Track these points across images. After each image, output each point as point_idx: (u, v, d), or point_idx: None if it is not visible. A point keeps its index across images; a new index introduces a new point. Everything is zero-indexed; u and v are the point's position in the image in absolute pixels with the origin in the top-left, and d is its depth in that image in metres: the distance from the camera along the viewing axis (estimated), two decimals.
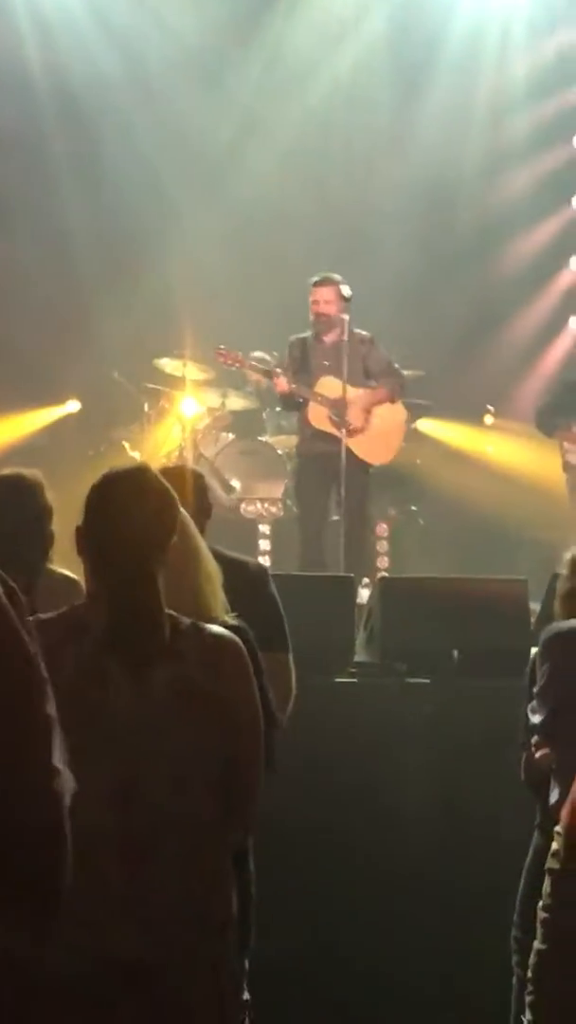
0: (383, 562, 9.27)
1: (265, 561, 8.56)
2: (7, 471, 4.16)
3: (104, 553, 2.69)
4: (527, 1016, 3.66)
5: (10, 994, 2.40)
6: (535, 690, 3.91)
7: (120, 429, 9.73)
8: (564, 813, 3.38)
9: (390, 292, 10.09)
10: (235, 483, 9.35)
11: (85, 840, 2.33)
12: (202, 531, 3.78)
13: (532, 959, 3.65)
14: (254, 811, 2.81)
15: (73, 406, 10.25)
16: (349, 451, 7.81)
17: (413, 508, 9.81)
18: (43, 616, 2.69)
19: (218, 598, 2.97)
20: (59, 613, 2.70)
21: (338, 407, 7.89)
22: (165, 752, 2.61)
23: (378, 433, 8.10)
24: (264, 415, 9.71)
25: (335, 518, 8.12)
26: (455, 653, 5.43)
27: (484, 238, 11.04)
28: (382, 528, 9.37)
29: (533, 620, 5.40)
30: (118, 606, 2.63)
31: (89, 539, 2.71)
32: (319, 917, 5.13)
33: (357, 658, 5.68)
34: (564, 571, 4.21)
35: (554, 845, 3.59)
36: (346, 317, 7.80)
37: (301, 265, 8.55)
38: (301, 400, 8.06)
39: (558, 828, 3.52)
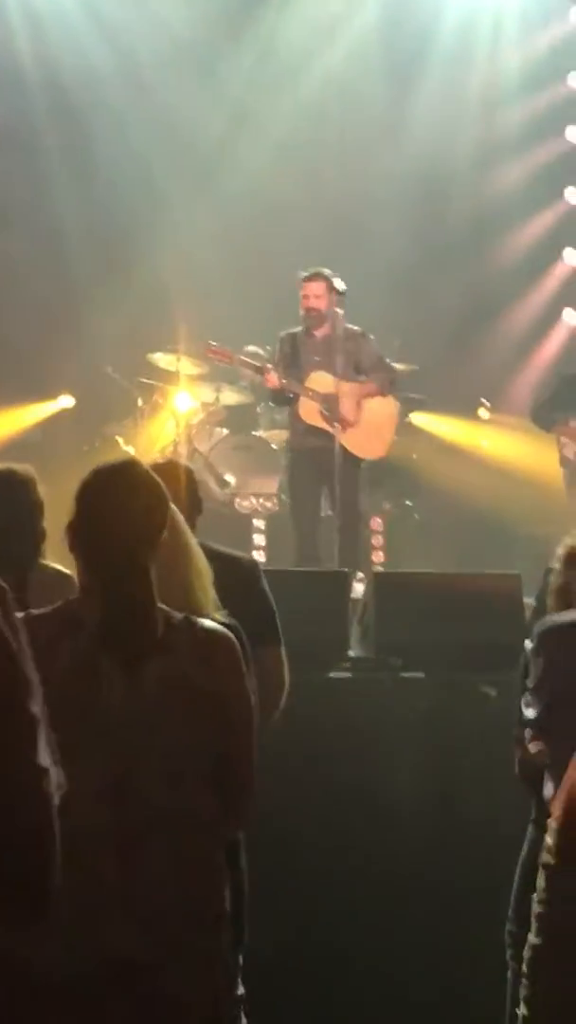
0: (378, 556, 9.26)
1: (260, 556, 8.58)
2: None
3: (95, 549, 2.69)
4: (521, 1010, 3.65)
5: (5, 992, 2.40)
6: (529, 684, 3.91)
7: (114, 424, 9.72)
8: (556, 808, 3.37)
9: (384, 286, 10.08)
10: (229, 478, 9.33)
11: (79, 836, 2.36)
12: (193, 527, 3.77)
13: (526, 953, 3.64)
14: (248, 806, 2.82)
15: (66, 401, 10.24)
16: (341, 446, 7.80)
17: (408, 503, 9.80)
18: (35, 612, 2.69)
19: (208, 595, 2.97)
20: (52, 608, 2.70)
21: (329, 402, 7.88)
22: (158, 747, 2.61)
23: (369, 427, 8.08)
24: (258, 410, 9.69)
25: (329, 513, 8.11)
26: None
27: (478, 231, 11.04)
28: (377, 522, 9.36)
29: (527, 614, 5.40)
30: (111, 601, 2.63)
31: (80, 535, 2.71)
32: (314, 912, 5.13)
33: (351, 653, 5.69)
34: (557, 565, 4.21)
35: (548, 839, 3.58)
36: (340, 311, 7.77)
37: (294, 258, 8.53)
38: (292, 395, 8.04)
39: (552, 822, 3.51)
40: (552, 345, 11.16)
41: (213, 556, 3.51)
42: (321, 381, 7.95)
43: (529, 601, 5.46)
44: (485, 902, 4.60)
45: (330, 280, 7.93)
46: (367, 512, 9.14)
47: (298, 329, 8.17)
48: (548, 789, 3.74)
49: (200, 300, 9.55)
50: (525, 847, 4.23)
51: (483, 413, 10.56)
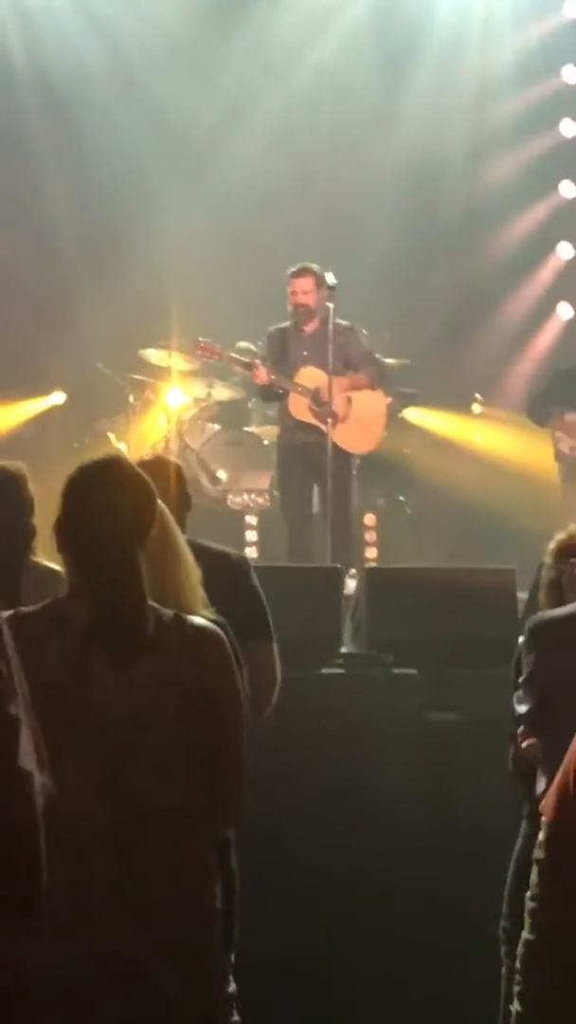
0: (371, 552, 9.25)
1: (252, 553, 8.56)
2: None
3: (83, 547, 2.68)
4: (515, 1007, 3.64)
5: (1, 991, 2.39)
6: (521, 680, 3.90)
7: (105, 420, 9.71)
8: (546, 804, 3.35)
9: (376, 279, 10.08)
10: (221, 474, 9.33)
11: (72, 834, 2.43)
12: (182, 523, 3.78)
13: (520, 949, 3.62)
14: (240, 803, 2.80)
15: (58, 397, 10.22)
16: (330, 441, 7.78)
17: (401, 498, 9.79)
18: (25, 609, 2.68)
19: (197, 593, 2.95)
20: (42, 606, 2.69)
21: (318, 397, 7.87)
22: (149, 744, 2.61)
23: (359, 422, 8.07)
24: (250, 405, 9.68)
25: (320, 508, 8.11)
26: None
27: (471, 224, 11.03)
28: (370, 518, 9.35)
29: (521, 609, 5.39)
30: (101, 599, 2.62)
31: (67, 533, 2.70)
32: (306, 908, 5.12)
33: (344, 649, 5.69)
34: (548, 560, 4.20)
35: (541, 835, 3.57)
36: (331, 305, 7.75)
37: (286, 253, 8.52)
38: (281, 391, 8.03)
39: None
40: (545, 339, 11.16)
41: (202, 552, 3.50)
42: (310, 376, 7.94)
43: (523, 596, 5.45)
44: (479, 899, 4.60)
45: (318, 275, 7.92)
46: (359, 507, 9.13)
47: (286, 324, 8.16)
48: (540, 784, 3.73)
49: (192, 296, 9.53)
50: (519, 843, 4.22)
51: (476, 407, 10.55)
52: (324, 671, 5.51)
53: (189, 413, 9.55)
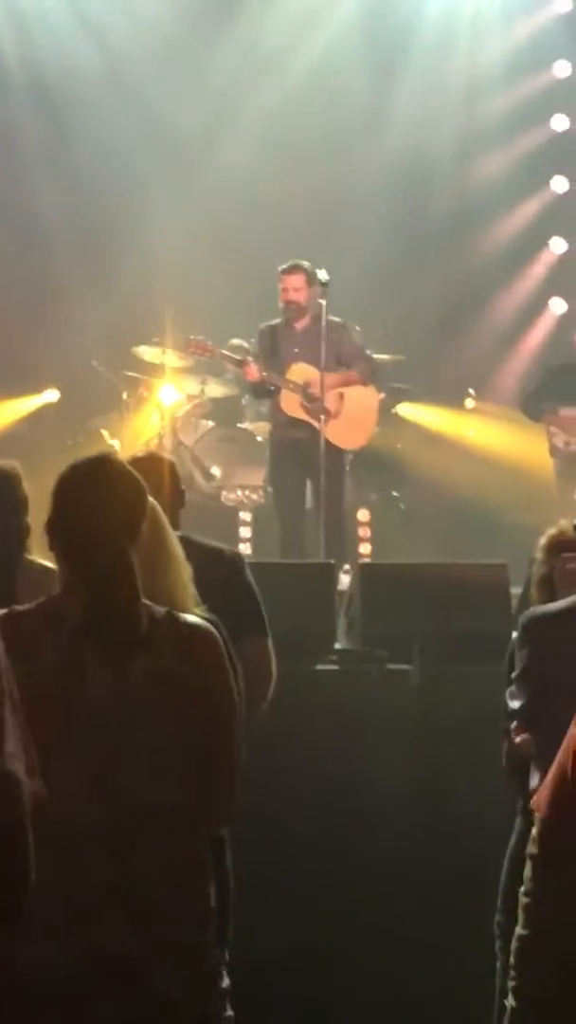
0: (365, 548, 9.25)
1: (246, 549, 8.56)
2: None
3: (76, 546, 2.68)
4: (509, 1001, 3.65)
5: None
6: (514, 675, 3.90)
7: (99, 418, 9.69)
8: (539, 800, 3.36)
9: (368, 276, 10.07)
10: (215, 471, 9.32)
11: (66, 833, 2.50)
12: (176, 520, 3.78)
13: (514, 944, 3.63)
14: (233, 801, 2.80)
15: (51, 395, 10.20)
16: (323, 437, 7.78)
17: (395, 493, 9.79)
18: (18, 608, 2.68)
19: (188, 591, 2.93)
20: (35, 604, 2.68)
21: (310, 393, 7.87)
22: (143, 743, 2.61)
23: (351, 418, 8.08)
24: (244, 402, 9.67)
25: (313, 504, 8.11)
26: None
27: (462, 221, 11.02)
28: (363, 514, 9.35)
29: (515, 604, 5.39)
30: (95, 597, 2.61)
31: (59, 532, 2.70)
32: (300, 906, 5.11)
33: (338, 645, 5.70)
34: (539, 556, 4.21)
35: (534, 830, 3.57)
36: (323, 302, 7.75)
37: (278, 250, 8.51)
38: (272, 388, 8.04)
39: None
40: (538, 334, 11.17)
41: (196, 549, 3.50)
42: (302, 373, 7.95)
43: (516, 591, 5.46)
44: (474, 894, 4.57)
45: (309, 272, 7.93)
46: (353, 503, 9.14)
47: (277, 321, 8.16)
48: (534, 780, 3.73)
49: (184, 293, 9.52)
50: (513, 838, 4.22)
51: (469, 403, 10.56)
52: (318, 667, 5.51)
53: (183, 410, 9.54)
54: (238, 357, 8.32)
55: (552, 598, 4.04)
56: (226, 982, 3.47)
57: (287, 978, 5.02)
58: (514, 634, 4.09)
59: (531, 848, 3.59)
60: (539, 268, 11.27)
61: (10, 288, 10.18)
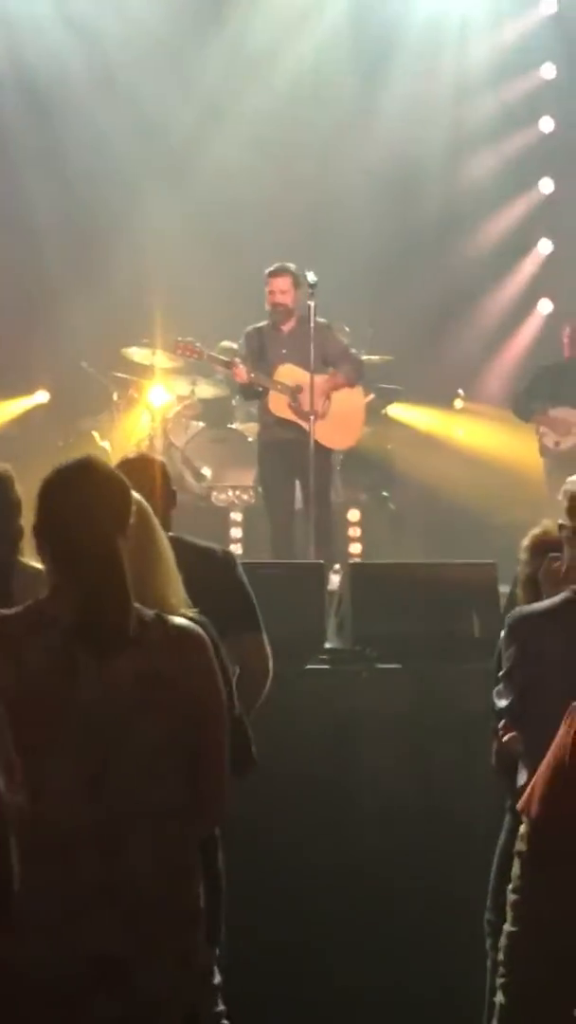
0: (355, 548, 9.25)
1: (237, 549, 8.56)
2: None
3: (63, 549, 2.67)
4: (498, 998, 3.67)
5: None
6: (501, 674, 3.91)
7: (89, 419, 9.68)
8: (526, 801, 3.39)
9: (358, 277, 10.09)
10: (206, 471, 9.32)
11: (57, 834, 2.52)
12: (168, 521, 3.78)
13: (503, 941, 3.65)
14: (222, 802, 2.82)
15: (42, 397, 10.19)
16: (311, 438, 7.80)
17: (384, 493, 9.79)
18: (5, 612, 2.68)
19: (178, 593, 2.94)
20: (23, 608, 2.68)
21: (297, 394, 7.88)
22: (133, 744, 2.61)
23: (338, 418, 8.08)
24: (234, 403, 9.67)
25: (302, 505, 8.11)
26: None
27: (452, 222, 11.03)
28: (353, 514, 9.35)
29: (503, 604, 5.40)
30: (86, 596, 2.61)
31: (46, 537, 2.69)
32: (291, 907, 5.10)
33: (328, 645, 5.68)
34: (523, 556, 4.21)
35: (523, 828, 3.60)
36: (311, 304, 7.76)
37: (268, 251, 8.52)
38: (260, 389, 8.05)
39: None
40: (527, 335, 11.18)
41: (188, 549, 3.51)
42: (289, 374, 7.96)
43: (505, 590, 5.47)
44: (465, 892, 4.58)
45: (296, 275, 7.94)
46: (343, 503, 9.15)
47: (264, 324, 8.17)
48: (521, 778, 3.74)
49: (174, 294, 9.52)
50: (502, 836, 4.22)
51: (458, 403, 10.57)
52: (308, 667, 5.50)
53: (173, 411, 9.53)
54: (226, 359, 8.33)
55: (538, 598, 4.03)
56: (217, 979, 3.47)
57: (280, 978, 5.02)
58: (502, 633, 4.10)
59: (519, 846, 3.61)
60: (527, 269, 11.29)
61: (0, 290, 10.18)
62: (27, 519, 3.86)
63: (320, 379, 7.90)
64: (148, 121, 10.68)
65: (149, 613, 2.70)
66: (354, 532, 9.25)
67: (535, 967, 3.53)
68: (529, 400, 9.13)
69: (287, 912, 5.10)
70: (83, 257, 10.32)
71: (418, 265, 10.74)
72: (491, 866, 4.29)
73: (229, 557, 4.31)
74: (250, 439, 9.23)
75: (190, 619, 2.83)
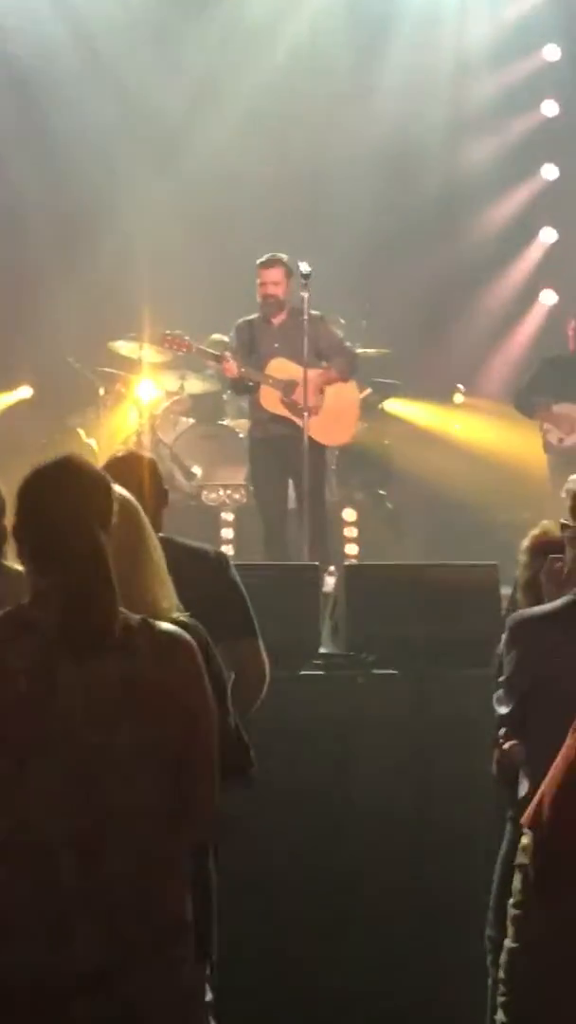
0: (351, 548, 9.17)
1: (229, 550, 8.48)
2: None
3: (45, 549, 2.65)
4: (499, 1017, 3.58)
5: None
6: (501, 679, 3.83)
7: (75, 415, 9.66)
8: (529, 814, 3.26)
9: (354, 266, 10.04)
10: (196, 469, 9.25)
11: (38, 840, 2.53)
12: (159, 520, 3.72)
13: (503, 958, 3.58)
14: (210, 809, 2.77)
15: (25, 392, 10.17)
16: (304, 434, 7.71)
17: (382, 492, 9.72)
18: None
19: (169, 596, 2.93)
20: (4, 613, 2.67)
21: (290, 389, 7.78)
22: (117, 749, 2.60)
23: (332, 413, 8.02)
24: (225, 398, 9.65)
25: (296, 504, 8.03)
26: None
27: (451, 210, 11.02)
28: (350, 513, 9.29)
29: (504, 606, 5.32)
30: (70, 597, 2.59)
31: (26, 539, 2.68)
32: (286, 919, 5.07)
33: (323, 649, 5.64)
34: (523, 559, 4.16)
35: (524, 840, 3.49)
36: (305, 295, 7.65)
37: (261, 240, 8.46)
38: (251, 384, 7.95)
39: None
40: (528, 326, 11.10)
41: (180, 550, 3.48)
42: (281, 368, 7.88)
43: (506, 592, 5.38)
44: (463, 903, 4.61)
45: (288, 266, 7.87)
46: (338, 502, 9.06)
47: (255, 316, 8.08)
48: (523, 788, 3.68)
49: (163, 285, 9.46)
50: (503, 847, 4.20)
51: (458, 397, 10.48)
52: (302, 673, 5.46)
53: (162, 406, 9.49)
54: (216, 353, 8.21)
55: (539, 601, 4.03)
56: (209, 996, 3.40)
57: (274, 987, 4.99)
58: (503, 637, 4.01)
59: (521, 859, 3.51)
60: (529, 259, 11.17)
61: None
62: (10, 520, 3.76)
63: (313, 373, 7.80)
64: (136, 103, 10.66)
65: (136, 618, 2.67)
66: (350, 532, 9.21)
67: (536, 984, 3.43)
68: (531, 395, 9.06)
69: (282, 923, 5.08)
70: (68, 247, 10.28)
71: (416, 254, 10.69)
72: (491, 876, 4.24)
73: (222, 558, 4.30)
74: (242, 436, 9.15)
75: (181, 623, 2.82)
